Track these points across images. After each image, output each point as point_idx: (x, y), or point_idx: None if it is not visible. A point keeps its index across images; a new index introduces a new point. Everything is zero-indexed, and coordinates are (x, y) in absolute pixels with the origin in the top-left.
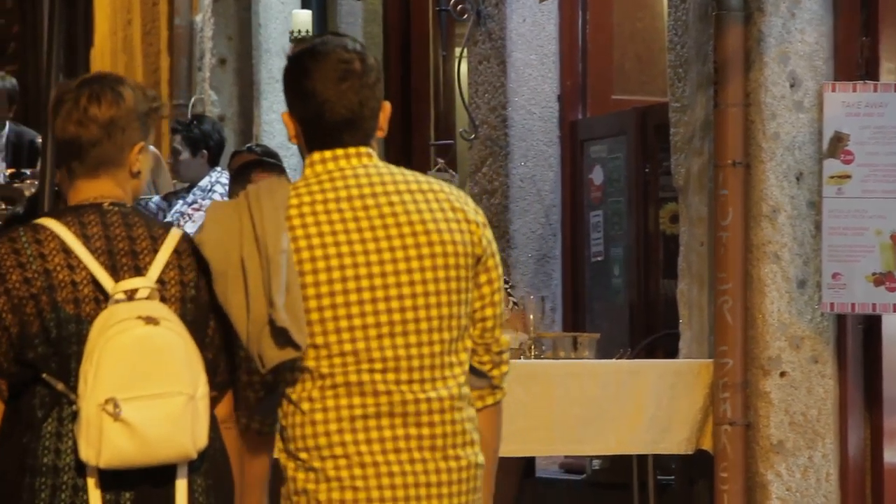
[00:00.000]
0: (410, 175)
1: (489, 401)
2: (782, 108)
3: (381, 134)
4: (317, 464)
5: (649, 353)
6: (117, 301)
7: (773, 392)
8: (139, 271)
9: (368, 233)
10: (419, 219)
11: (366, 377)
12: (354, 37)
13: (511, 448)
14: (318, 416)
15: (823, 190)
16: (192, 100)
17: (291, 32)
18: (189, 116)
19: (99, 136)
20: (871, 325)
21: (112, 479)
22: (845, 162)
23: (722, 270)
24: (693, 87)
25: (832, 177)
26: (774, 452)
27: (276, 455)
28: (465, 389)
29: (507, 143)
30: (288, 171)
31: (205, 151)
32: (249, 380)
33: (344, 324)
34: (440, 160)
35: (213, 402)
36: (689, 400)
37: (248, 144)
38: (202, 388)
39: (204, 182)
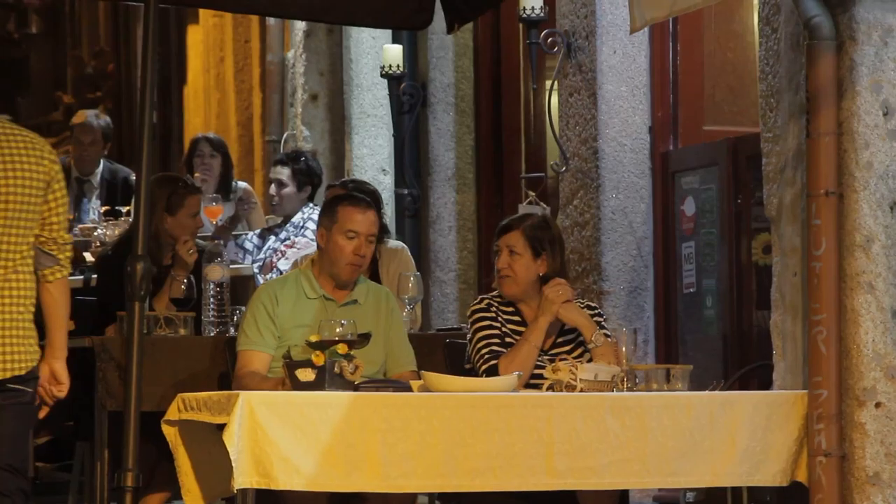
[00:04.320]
0: (6, 124)
1: (58, 275)
2: (875, 137)
3: None
4: None
5: (743, 384)
6: None
7: (868, 423)
8: None
9: None
10: (9, 153)
11: None
12: None
13: (605, 481)
14: None
15: None
16: (285, 135)
17: (382, 67)
18: (291, 151)
19: None
20: None
21: None
22: None
23: (815, 301)
24: (785, 116)
25: None
26: (870, 484)
27: None
28: (29, 268)
29: (599, 176)
30: (382, 201)
31: (309, 188)
32: None
33: None
34: (531, 193)
35: None
36: (784, 431)
37: (343, 179)
38: None
39: (296, 218)
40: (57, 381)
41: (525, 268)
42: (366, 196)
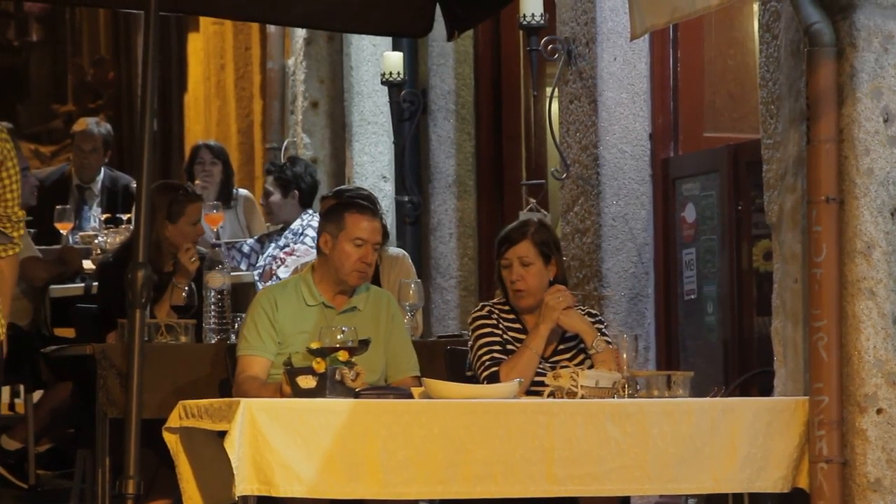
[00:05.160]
0: None
1: (10, 252)
2: (876, 144)
3: None
4: None
5: (744, 391)
6: None
7: (869, 429)
8: None
9: None
10: None
11: None
12: None
13: (606, 487)
14: None
15: None
16: (285, 142)
17: (383, 75)
18: (283, 159)
19: None
20: None
21: None
22: None
23: (816, 307)
24: (785, 123)
25: None
26: (872, 490)
27: None
28: None
29: (599, 182)
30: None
31: (296, 192)
32: None
33: None
34: (532, 200)
35: None
36: (785, 438)
37: (338, 188)
38: None
39: (296, 225)
40: None
41: (538, 276)
42: (365, 201)
